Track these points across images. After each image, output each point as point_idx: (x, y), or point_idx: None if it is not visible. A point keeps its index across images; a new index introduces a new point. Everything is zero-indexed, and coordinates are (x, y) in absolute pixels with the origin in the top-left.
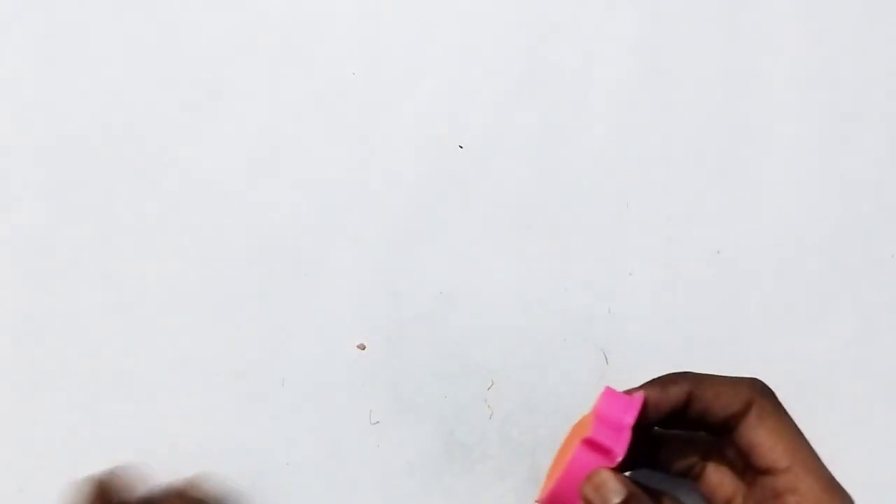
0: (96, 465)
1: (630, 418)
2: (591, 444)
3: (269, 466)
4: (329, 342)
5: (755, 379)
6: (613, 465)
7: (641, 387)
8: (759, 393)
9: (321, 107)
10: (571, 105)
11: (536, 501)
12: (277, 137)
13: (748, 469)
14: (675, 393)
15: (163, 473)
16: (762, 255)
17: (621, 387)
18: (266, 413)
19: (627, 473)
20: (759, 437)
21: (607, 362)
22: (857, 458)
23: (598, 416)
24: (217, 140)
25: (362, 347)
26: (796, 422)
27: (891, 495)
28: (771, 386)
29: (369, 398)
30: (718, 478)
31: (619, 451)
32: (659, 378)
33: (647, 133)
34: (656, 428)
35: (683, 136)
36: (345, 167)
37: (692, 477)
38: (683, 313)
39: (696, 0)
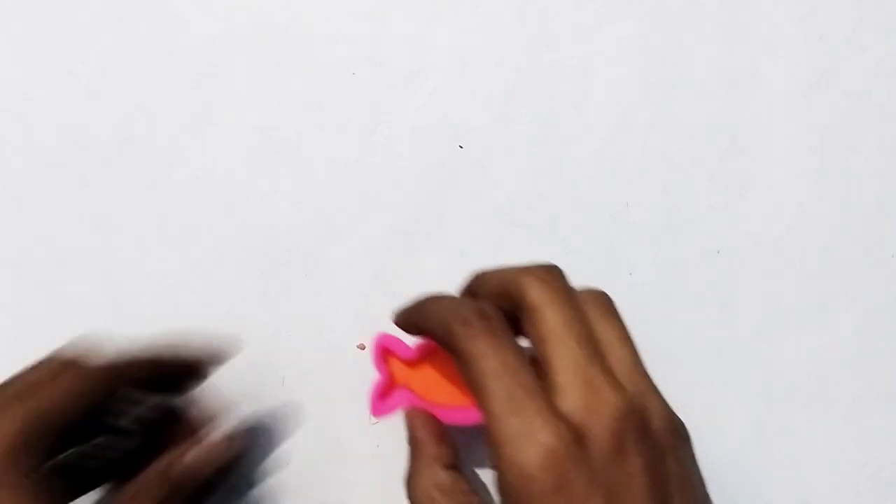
0: None
1: None
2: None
3: (269, 466)
4: (329, 342)
5: (536, 270)
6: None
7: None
8: (530, 287)
9: (321, 107)
10: (571, 105)
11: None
12: (277, 137)
13: None
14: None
15: None
16: (762, 255)
17: None
18: (265, 413)
19: None
20: (528, 336)
21: None
22: (857, 458)
23: None
24: (217, 140)
25: (362, 347)
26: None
27: (891, 495)
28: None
29: (369, 398)
30: None
31: None
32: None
33: (647, 133)
34: None
35: (683, 136)
36: (345, 167)
37: None
38: (683, 313)
39: (696, 0)
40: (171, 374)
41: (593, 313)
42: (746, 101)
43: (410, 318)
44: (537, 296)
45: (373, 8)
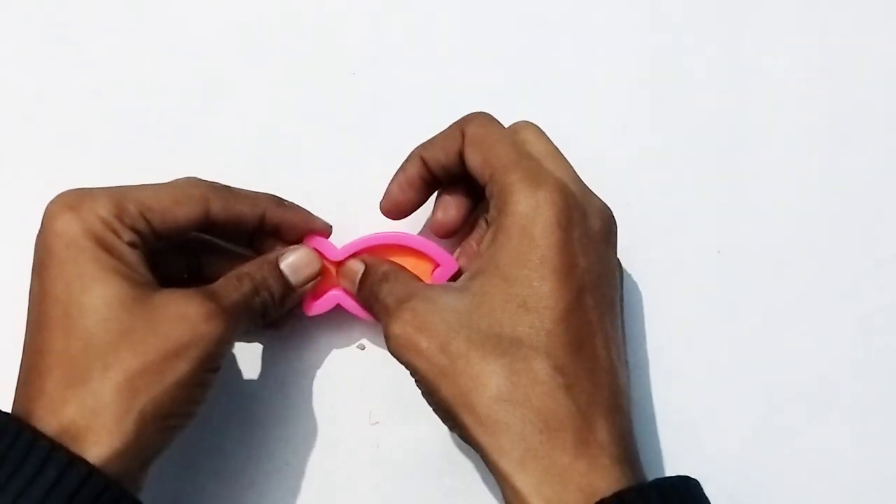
0: None
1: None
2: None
3: (269, 466)
4: (329, 342)
5: (471, 115)
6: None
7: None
8: (472, 125)
9: (321, 107)
10: (572, 105)
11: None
12: (277, 137)
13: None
14: (412, 167)
15: (163, 472)
16: (762, 255)
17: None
18: (266, 413)
19: None
20: (470, 160)
21: None
22: (858, 458)
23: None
24: (216, 140)
25: (362, 347)
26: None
27: (891, 495)
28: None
29: (369, 398)
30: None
31: None
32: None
33: (647, 133)
34: None
35: (683, 136)
36: (345, 167)
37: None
38: (683, 313)
39: (696, 0)
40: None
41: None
42: (746, 102)
43: (407, 177)
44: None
45: (373, 7)
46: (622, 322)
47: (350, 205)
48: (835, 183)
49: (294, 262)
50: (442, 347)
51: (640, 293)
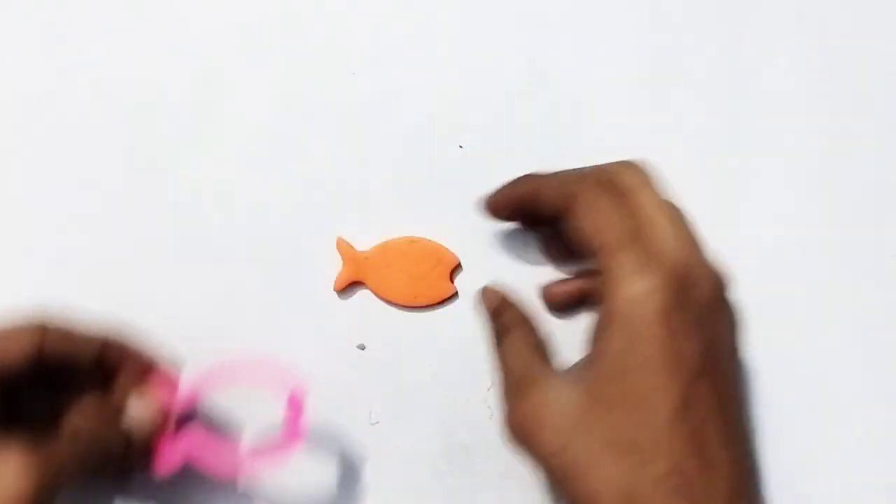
0: None
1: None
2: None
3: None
4: (329, 342)
5: (596, 169)
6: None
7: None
8: (587, 184)
9: (321, 107)
10: (571, 105)
11: None
12: (277, 137)
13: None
14: (521, 190)
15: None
16: (762, 255)
17: None
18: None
19: None
20: (579, 226)
21: None
22: (858, 458)
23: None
24: (216, 140)
25: (362, 347)
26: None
27: (891, 495)
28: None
29: (369, 398)
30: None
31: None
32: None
33: (647, 133)
34: None
35: (683, 136)
36: (345, 167)
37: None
38: None
39: (696, 0)
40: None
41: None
42: (746, 102)
43: (512, 193)
44: (631, 180)
45: (373, 8)
46: (740, 388)
47: (349, 205)
48: (835, 183)
49: (137, 415)
50: (564, 448)
51: None
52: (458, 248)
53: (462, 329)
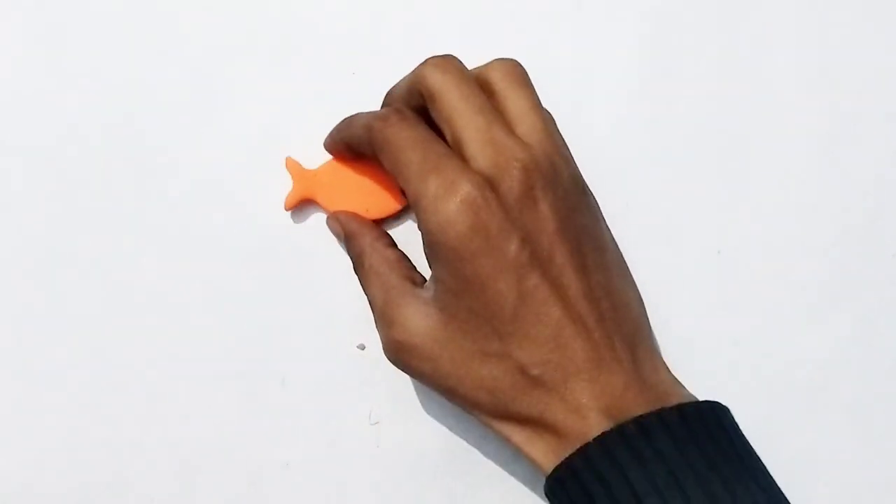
0: (95, 464)
1: None
2: None
3: (269, 466)
4: (329, 342)
5: (403, 85)
6: None
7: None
8: (387, 121)
9: (321, 107)
10: (571, 105)
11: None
12: (277, 137)
13: None
14: (342, 135)
15: (163, 473)
16: (762, 255)
17: None
18: (266, 413)
19: None
20: (386, 168)
21: None
22: (858, 458)
23: None
24: (216, 140)
25: (362, 347)
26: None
27: (891, 495)
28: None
29: (369, 398)
30: None
31: None
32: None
33: (647, 133)
34: None
35: (683, 136)
36: None
37: None
38: (683, 313)
39: (696, 0)
40: None
41: (502, 85)
42: (746, 101)
43: (337, 136)
44: (435, 81)
45: (373, 8)
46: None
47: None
48: (835, 182)
49: None
50: (435, 368)
51: (639, 293)
52: None
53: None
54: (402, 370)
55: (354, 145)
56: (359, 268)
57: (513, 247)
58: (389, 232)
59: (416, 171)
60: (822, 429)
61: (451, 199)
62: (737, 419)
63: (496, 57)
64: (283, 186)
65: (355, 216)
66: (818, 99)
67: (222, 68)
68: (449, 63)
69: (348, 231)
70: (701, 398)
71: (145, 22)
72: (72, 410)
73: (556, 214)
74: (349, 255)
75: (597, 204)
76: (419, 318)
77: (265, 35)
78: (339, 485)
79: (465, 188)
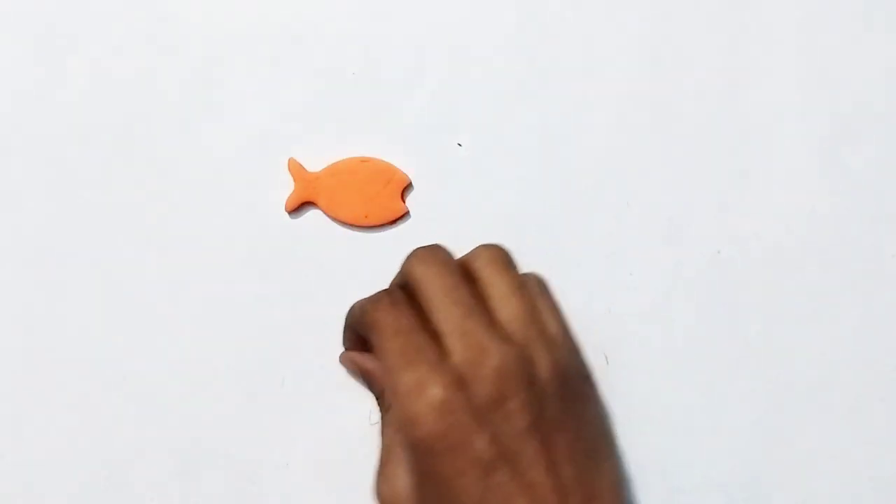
0: (95, 464)
1: None
2: None
3: (269, 466)
4: (329, 342)
5: (396, 278)
6: None
7: None
8: (377, 314)
9: (322, 107)
10: (571, 105)
11: None
12: (277, 137)
13: None
14: (348, 334)
15: (163, 473)
16: (762, 255)
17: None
18: (266, 413)
19: None
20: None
21: (607, 362)
22: (858, 458)
23: None
24: (216, 140)
25: None
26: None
27: (891, 495)
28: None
29: (369, 398)
30: None
31: None
32: None
33: (647, 133)
34: None
35: (683, 136)
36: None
37: None
38: (683, 313)
39: (696, 0)
40: None
41: (485, 272)
42: (747, 101)
43: (345, 326)
44: (418, 273)
45: (372, 8)
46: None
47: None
48: (835, 182)
49: None
50: None
51: (640, 293)
52: (410, 167)
53: None
54: None
55: (357, 330)
56: (384, 412)
57: (479, 445)
58: (389, 236)
59: (394, 361)
60: (823, 429)
61: (421, 399)
62: (737, 420)
63: (481, 243)
64: (284, 187)
65: (357, 355)
66: (818, 99)
67: (223, 68)
68: (432, 255)
69: (364, 370)
70: (701, 399)
71: (146, 22)
72: (71, 410)
73: (528, 412)
74: (371, 392)
75: (586, 377)
76: (406, 481)
77: (266, 35)
78: (339, 485)
79: (434, 391)
